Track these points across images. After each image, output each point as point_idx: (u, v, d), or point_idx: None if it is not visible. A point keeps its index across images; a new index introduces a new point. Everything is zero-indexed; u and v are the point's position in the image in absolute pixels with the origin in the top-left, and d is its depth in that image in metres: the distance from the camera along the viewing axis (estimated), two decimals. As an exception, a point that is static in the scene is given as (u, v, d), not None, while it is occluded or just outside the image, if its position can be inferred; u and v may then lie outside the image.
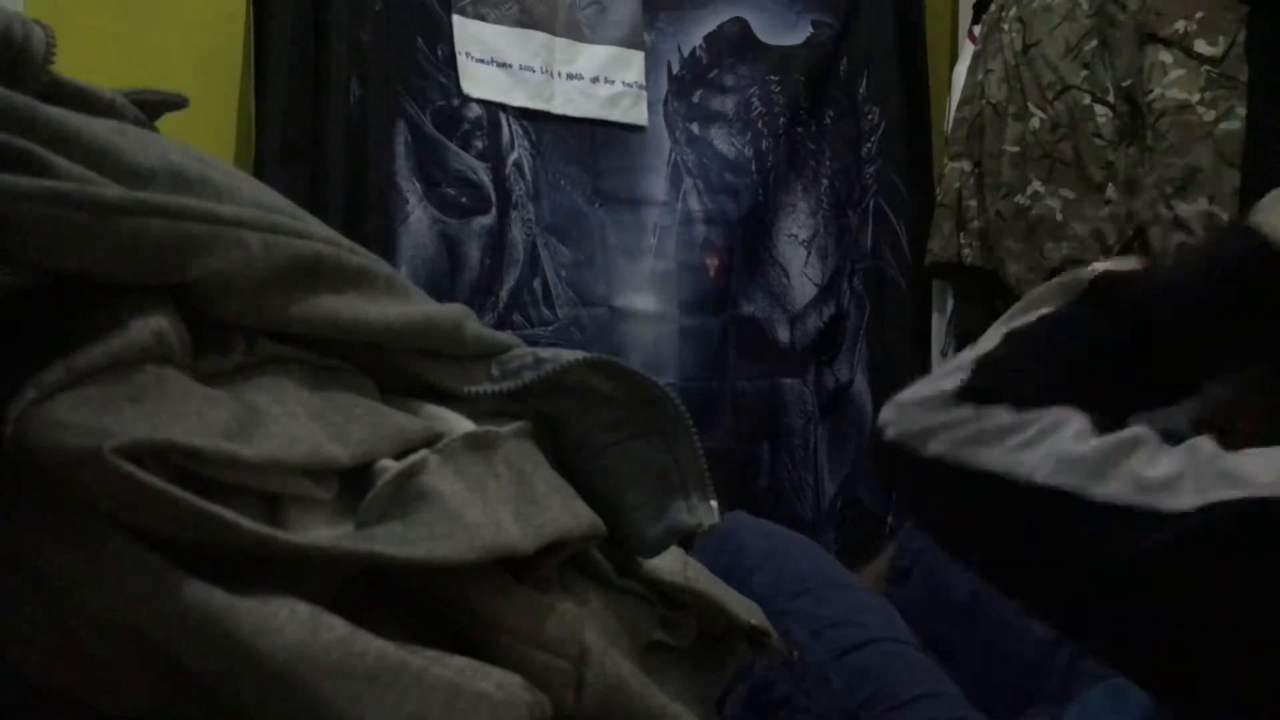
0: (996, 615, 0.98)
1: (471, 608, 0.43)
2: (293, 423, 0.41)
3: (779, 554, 1.06)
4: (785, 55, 1.94)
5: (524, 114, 1.74)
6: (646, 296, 1.84)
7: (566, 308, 1.77)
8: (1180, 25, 1.42)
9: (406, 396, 0.50)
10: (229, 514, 0.35)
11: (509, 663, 0.42)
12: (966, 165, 1.79)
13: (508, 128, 1.73)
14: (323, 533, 0.40)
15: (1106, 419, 0.62)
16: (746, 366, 1.90)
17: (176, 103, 0.50)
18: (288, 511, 0.40)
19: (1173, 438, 0.60)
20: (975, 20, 1.87)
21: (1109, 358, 0.67)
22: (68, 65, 0.41)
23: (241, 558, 0.36)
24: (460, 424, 0.48)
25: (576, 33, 1.79)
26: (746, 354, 1.91)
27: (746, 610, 0.66)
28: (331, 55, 1.59)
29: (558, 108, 1.77)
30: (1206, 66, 1.39)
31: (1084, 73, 1.59)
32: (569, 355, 0.50)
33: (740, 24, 1.92)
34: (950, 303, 1.90)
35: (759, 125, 1.92)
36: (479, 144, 1.71)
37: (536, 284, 1.75)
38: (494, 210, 1.72)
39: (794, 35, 1.95)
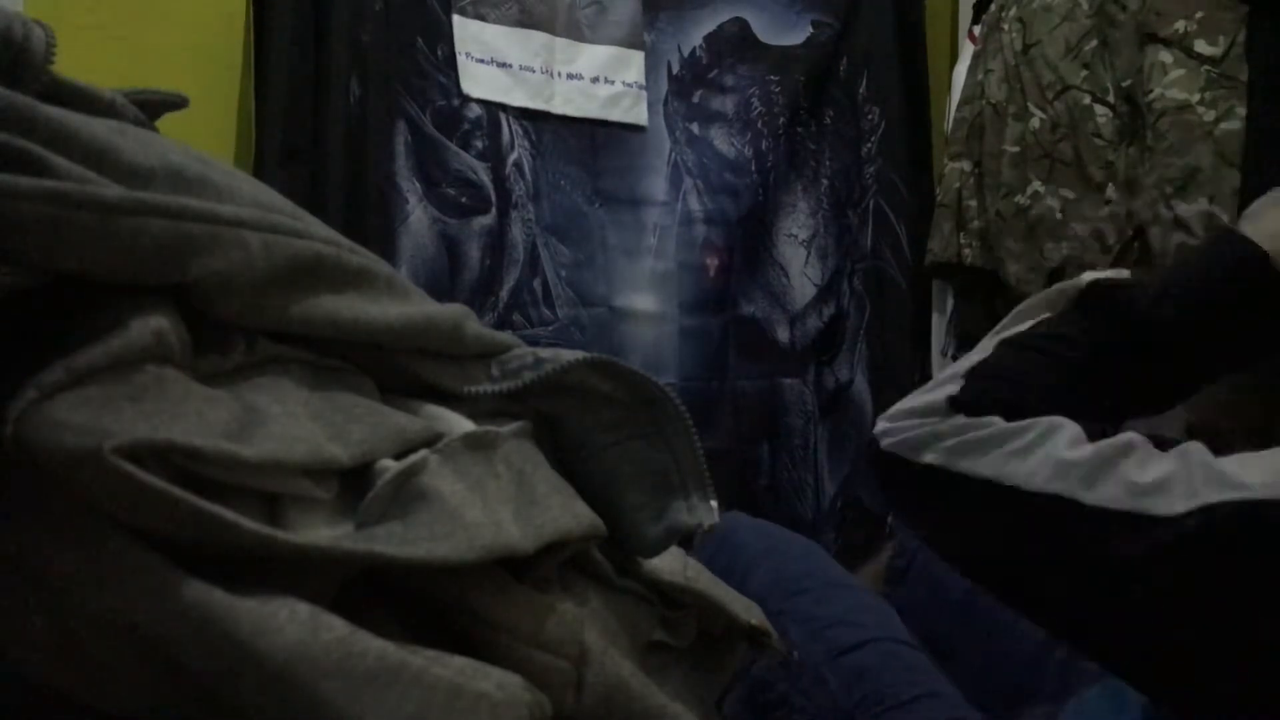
0: (993, 614, 0.98)
1: (471, 608, 0.43)
2: (293, 423, 0.41)
3: (777, 553, 1.06)
4: (785, 55, 1.94)
5: (524, 114, 1.74)
6: (646, 296, 1.84)
7: (566, 308, 1.77)
8: (1180, 25, 1.42)
9: (406, 396, 0.50)
10: (229, 514, 0.35)
11: (509, 663, 0.42)
12: (966, 165, 1.79)
13: (508, 128, 1.73)
14: (323, 533, 0.40)
15: (1099, 425, 0.63)
16: (746, 366, 1.90)
17: (176, 103, 0.50)
18: (288, 511, 0.40)
19: (1165, 443, 0.61)
20: (975, 20, 1.87)
21: (1102, 364, 0.68)
22: (68, 65, 0.41)
23: (241, 558, 0.36)
24: (460, 424, 0.48)
25: (576, 33, 1.79)
26: (746, 354, 1.91)
27: (746, 610, 0.66)
28: (331, 55, 1.59)
29: (558, 108, 1.77)
30: (1206, 66, 1.39)
31: (1084, 73, 1.59)
32: (569, 355, 0.50)
33: (740, 24, 1.92)
34: (950, 303, 1.90)
35: (759, 125, 1.92)
36: (479, 144, 1.71)
37: (536, 284, 1.75)
38: (494, 210, 1.72)
39: (794, 35, 1.95)
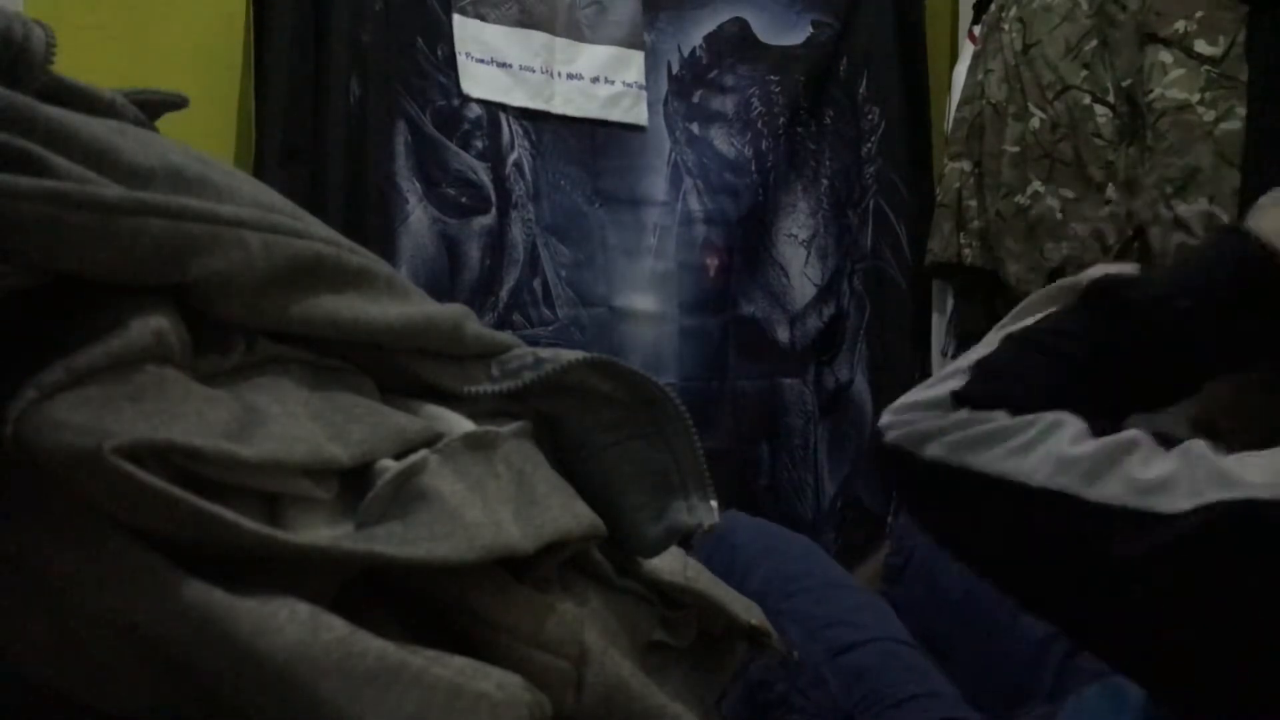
0: (990, 613, 0.98)
1: (471, 608, 0.43)
2: (293, 423, 0.41)
3: (775, 552, 1.06)
4: (785, 55, 1.94)
5: (524, 114, 1.74)
6: (646, 296, 1.84)
7: (566, 308, 1.77)
8: (1180, 25, 1.42)
9: (406, 396, 0.50)
10: (229, 514, 0.35)
11: (509, 663, 0.42)
12: (966, 165, 1.79)
13: (508, 128, 1.73)
14: (323, 533, 0.40)
15: (1103, 421, 0.63)
16: (746, 366, 1.90)
17: (176, 103, 0.50)
18: (288, 511, 0.40)
19: (1168, 440, 0.61)
20: (975, 20, 1.87)
21: (1106, 360, 0.68)
22: (68, 65, 0.41)
23: (241, 558, 0.36)
24: (460, 424, 0.48)
25: (576, 33, 1.79)
26: (746, 354, 1.91)
27: (746, 610, 0.66)
28: (331, 55, 1.59)
29: (558, 108, 1.77)
30: (1206, 66, 1.39)
31: (1084, 73, 1.59)
32: (569, 355, 0.50)
33: (740, 24, 1.92)
34: (950, 303, 1.90)
35: (759, 125, 1.92)
36: (479, 144, 1.71)
37: (536, 284, 1.75)
38: (494, 210, 1.72)
39: (794, 35, 1.95)
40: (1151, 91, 1.43)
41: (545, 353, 0.51)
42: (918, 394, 0.68)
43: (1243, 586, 0.55)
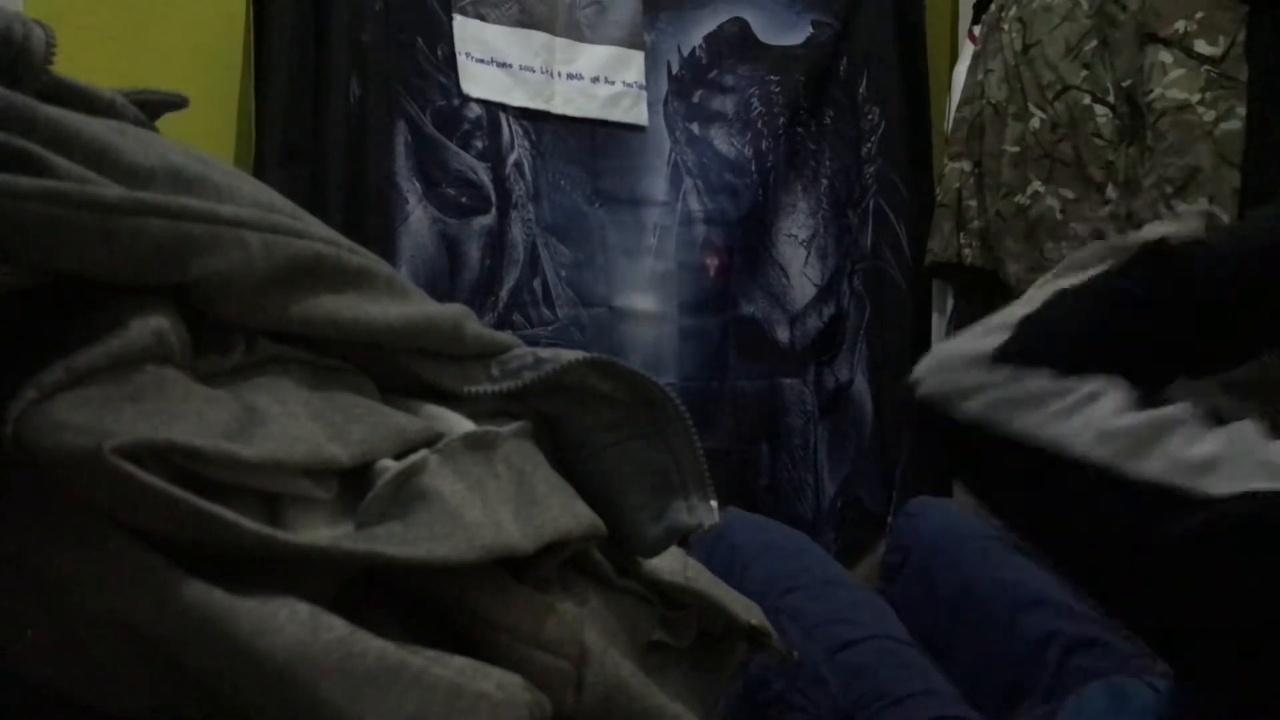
0: (988, 612, 0.98)
1: (471, 608, 0.43)
2: (293, 423, 0.41)
3: (773, 550, 1.06)
4: (785, 55, 1.94)
5: (524, 114, 1.74)
6: (646, 296, 1.84)
7: (566, 308, 1.77)
8: (1180, 25, 1.42)
9: (406, 396, 0.50)
10: (229, 514, 0.35)
11: (509, 663, 0.42)
12: (966, 165, 1.79)
13: (508, 128, 1.73)
14: (323, 533, 0.40)
15: (1148, 390, 0.60)
16: (746, 366, 1.91)
17: (176, 103, 0.50)
18: (288, 511, 0.40)
19: (1215, 417, 0.58)
20: (975, 20, 1.87)
21: (1158, 325, 0.64)
22: (68, 65, 0.41)
23: (241, 558, 0.36)
24: (460, 424, 0.48)
25: (576, 33, 1.79)
26: (746, 354, 1.91)
27: (746, 610, 0.66)
28: (331, 55, 1.59)
29: (558, 108, 1.77)
30: (1206, 66, 1.39)
31: (1084, 73, 1.59)
32: (569, 355, 0.50)
33: (740, 24, 1.92)
34: (950, 303, 1.90)
35: (759, 125, 1.92)
36: (479, 144, 1.71)
37: (536, 284, 1.75)
38: (494, 210, 1.72)
39: (794, 35, 1.95)
40: (1151, 91, 1.44)
41: (545, 353, 0.51)
42: (954, 347, 0.66)
43: (1277, 579, 0.53)
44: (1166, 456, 0.56)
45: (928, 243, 1.85)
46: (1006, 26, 1.73)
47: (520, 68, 1.73)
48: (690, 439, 0.53)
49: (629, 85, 1.83)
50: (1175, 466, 0.55)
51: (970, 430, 0.62)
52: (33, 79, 0.39)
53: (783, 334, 1.95)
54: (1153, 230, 0.67)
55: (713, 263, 1.89)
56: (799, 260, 1.96)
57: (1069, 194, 1.60)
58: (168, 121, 0.49)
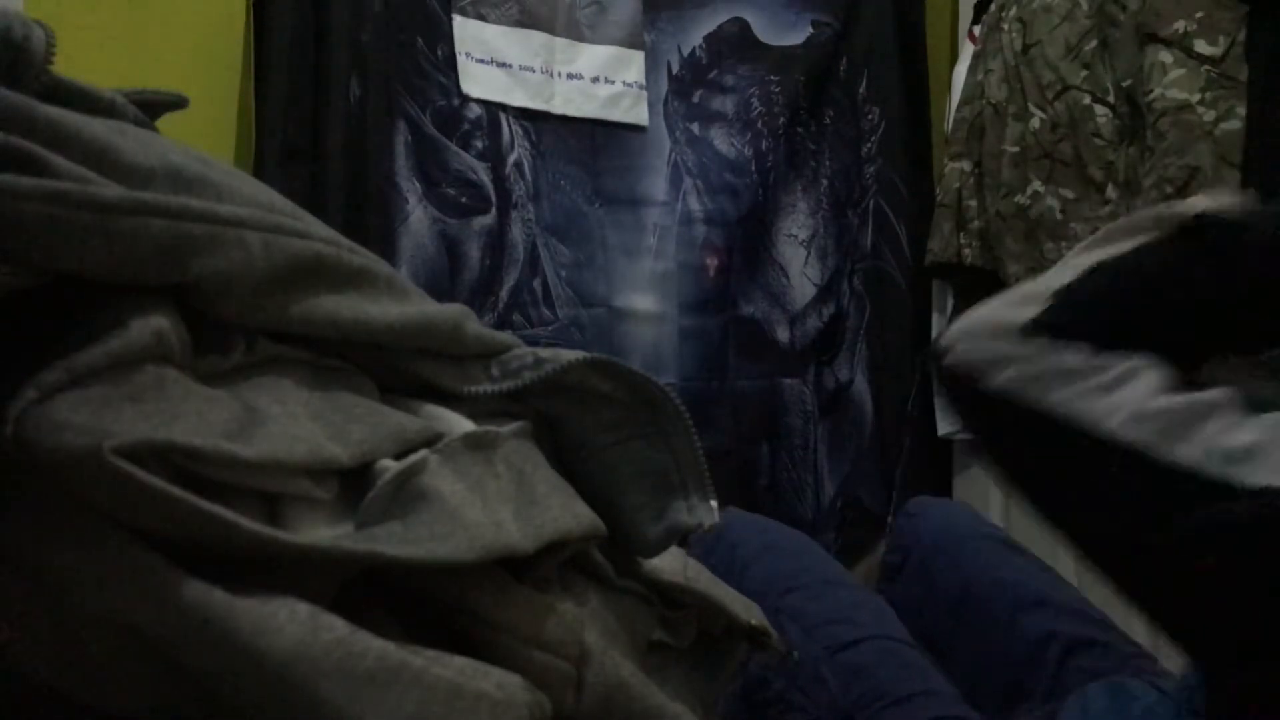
0: (987, 612, 0.98)
1: (471, 608, 0.43)
2: (293, 423, 0.41)
3: (773, 550, 1.06)
4: (785, 55, 1.94)
5: (524, 114, 1.75)
6: (646, 296, 1.84)
7: (566, 308, 1.77)
8: (1180, 25, 1.42)
9: (406, 396, 0.50)
10: (229, 514, 0.35)
11: (509, 663, 0.42)
12: (966, 165, 1.79)
13: (508, 128, 1.74)
14: (323, 533, 0.40)
15: (1185, 373, 0.58)
16: (746, 366, 1.91)
17: (176, 103, 0.50)
18: (288, 511, 0.40)
19: (1255, 403, 0.56)
20: (975, 20, 1.87)
21: (1199, 302, 0.61)
22: (68, 65, 0.41)
23: (241, 558, 0.36)
24: (460, 424, 0.48)
25: (576, 33, 1.79)
26: (746, 354, 1.91)
27: (746, 610, 0.66)
28: (331, 55, 1.59)
29: (558, 108, 1.77)
30: (1206, 66, 1.39)
31: (1084, 73, 1.59)
32: (569, 355, 0.50)
33: (740, 24, 1.92)
34: (950, 303, 1.90)
35: (759, 125, 1.92)
36: (479, 144, 1.71)
37: (536, 284, 1.76)
38: (494, 210, 1.72)
39: (794, 35, 1.95)
40: (1151, 91, 1.44)
41: (545, 353, 0.51)
42: (986, 315, 0.63)
43: None
44: (1203, 442, 0.54)
45: (928, 243, 1.85)
46: (1006, 26, 1.73)
47: (520, 68, 1.73)
48: (690, 439, 0.53)
49: (629, 85, 1.83)
50: (1211, 454, 0.53)
51: (998, 401, 0.60)
52: (33, 79, 0.39)
53: (783, 334, 1.95)
54: (1195, 203, 0.64)
55: (713, 263, 1.89)
56: (799, 260, 1.96)
57: (1069, 194, 1.60)
58: (168, 121, 0.49)
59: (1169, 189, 1.39)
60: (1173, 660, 0.89)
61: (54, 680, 0.37)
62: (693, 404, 0.64)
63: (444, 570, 0.41)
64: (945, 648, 0.98)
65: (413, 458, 0.43)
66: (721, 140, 1.91)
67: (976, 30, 1.85)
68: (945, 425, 1.92)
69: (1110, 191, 1.54)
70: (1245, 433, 0.53)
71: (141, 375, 0.36)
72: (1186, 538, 0.53)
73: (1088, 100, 1.58)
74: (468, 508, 0.42)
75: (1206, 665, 0.60)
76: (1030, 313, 0.61)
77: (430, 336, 0.49)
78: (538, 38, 1.75)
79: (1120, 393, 0.56)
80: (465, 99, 1.69)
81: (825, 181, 1.98)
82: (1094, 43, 1.59)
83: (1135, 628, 0.93)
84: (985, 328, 0.62)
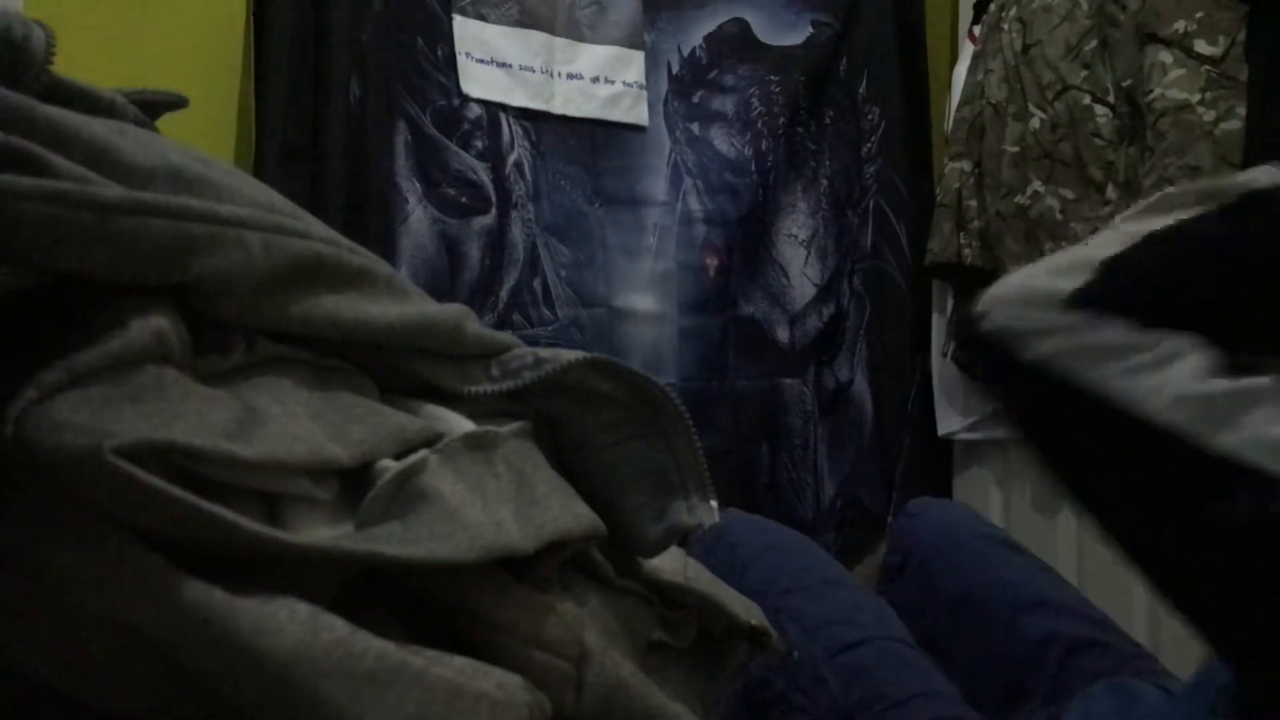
0: (987, 612, 0.98)
1: (471, 608, 0.43)
2: (293, 423, 0.41)
3: (773, 550, 1.06)
4: (785, 55, 1.94)
5: (524, 114, 1.75)
6: (646, 296, 1.84)
7: (566, 308, 1.77)
8: (1180, 25, 1.42)
9: (406, 396, 0.50)
10: (229, 514, 0.35)
11: (509, 663, 0.42)
12: (966, 165, 1.79)
13: (508, 128, 1.74)
14: (323, 533, 0.40)
15: (1232, 356, 0.55)
16: (746, 366, 1.91)
17: (176, 103, 0.50)
18: (288, 511, 0.40)
19: None
20: (975, 20, 1.87)
21: (1255, 280, 0.58)
22: (68, 65, 0.41)
23: (241, 558, 0.36)
24: (460, 424, 0.48)
25: (576, 33, 1.79)
26: (746, 354, 1.91)
27: (746, 610, 0.66)
28: (331, 55, 1.59)
29: (558, 108, 1.77)
30: (1206, 66, 1.39)
31: (1084, 73, 1.59)
32: (569, 355, 0.50)
33: (740, 24, 1.92)
34: (950, 303, 1.90)
35: (759, 125, 1.92)
36: (479, 144, 1.71)
37: (536, 284, 1.76)
38: (494, 210, 1.72)
39: (794, 35, 1.95)
40: (1151, 91, 1.43)
41: (545, 353, 0.51)
42: (1028, 282, 0.60)
43: None
44: (1249, 431, 0.51)
45: (928, 243, 1.85)
46: (1006, 26, 1.73)
47: (520, 68, 1.73)
48: (690, 439, 0.53)
49: (629, 85, 1.83)
50: (1257, 443, 0.50)
51: (1034, 373, 0.57)
52: (33, 79, 0.39)
53: (783, 334, 1.95)
54: (1257, 175, 0.60)
55: (713, 263, 1.89)
56: (799, 260, 1.96)
57: (1069, 194, 1.60)
58: (168, 121, 0.49)
59: (1169, 189, 1.39)
60: (1174, 660, 0.89)
61: (54, 680, 0.37)
62: (693, 404, 0.63)
63: (444, 570, 0.41)
64: (945, 648, 0.97)
65: (413, 458, 0.43)
66: (721, 140, 1.91)
67: (976, 30, 1.85)
68: (945, 425, 1.92)
69: (1110, 192, 1.54)
70: None
71: (141, 375, 0.36)
72: (1225, 530, 0.50)
73: (1088, 100, 1.58)
74: (468, 508, 0.42)
75: (1238, 663, 0.57)
76: (1074, 283, 0.58)
77: (430, 336, 0.49)
78: (538, 38, 1.75)
79: (1163, 373, 0.53)
80: (465, 99, 1.69)
81: (825, 181, 1.98)
82: (1094, 43, 1.59)
83: (1135, 628, 0.93)
84: (1026, 295, 0.59)
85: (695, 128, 1.89)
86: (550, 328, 1.75)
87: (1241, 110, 1.36)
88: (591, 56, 1.80)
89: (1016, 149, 1.68)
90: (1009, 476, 1.88)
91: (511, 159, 1.74)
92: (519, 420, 0.50)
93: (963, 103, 1.82)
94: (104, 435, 0.33)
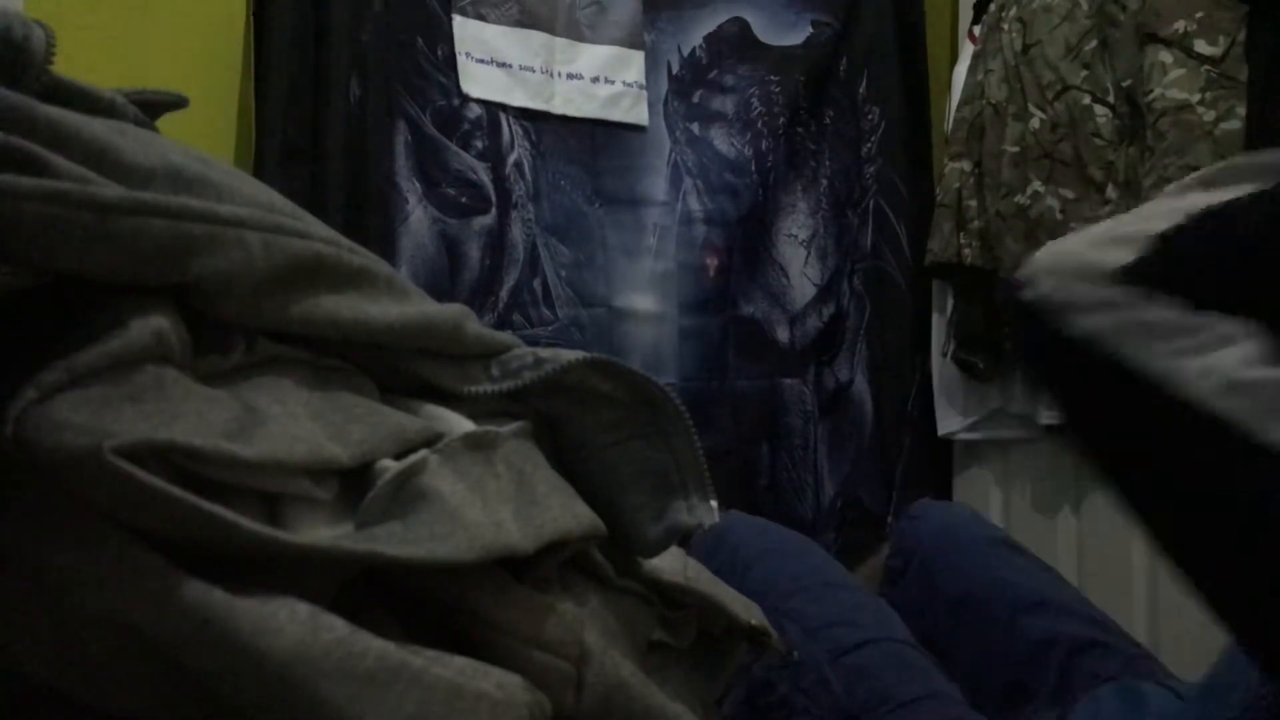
0: (988, 613, 0.98)
1: (471, 608, 0.43)
2: (293, 423, 0.41)
3: (774, 552, 1.06)
4: (785, 55, 1.94)
5: (524, 114, 1.75)
6: (646, 296, 1.84)
7: (566, 308, 1.77)
8: (1180, 25, 1.42)
9: (406, 396, 0.50)
10: (229, 514, 0.35)
11: (509, 663, 0.42)
12: (966, 165, 1.79)
13: (508, 128, 1.74)
14: (323, 533, 0.40)
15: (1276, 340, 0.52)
16: (746, 366, 1.91)
17: (176, 103, 0.50)
18: (287, 511, 0.40)
19: None
20: (975, 20, 1.87)
21: None
22: (68, 65, 0.41)
23: (241, 558, 0.36)
24: (460, 424, 0.48)
25: (576, 33, 1.79)
26: (746, 354, 1.91)
27: (746, 610, 0.66)
28: (331, 55, 1.59)
29: (558, 108, 1.77)
30: (1206, 66, 1.39)
31: (1084, 73, 1.59)
32: (569, 355, 0.50)
33: (740, 24, 1.92)
34: (950, 303, 1.90)
35: (759, 125, 1.92)
36: (479, 144, 1.71)
37: (536, 284, 1.76)
38: (494, 210, 1.72)
39: (794, 35, 1.95)
40: (1151, 91, 1.44)
41: (545, 353, 0.51)
42: (1077, 252, 0.57)
43: None
44: None
45: (928, 243, 1.85)
46: (1006, 26, 1.73)
47: (520, 68, 1.73)
48: (690, 439, 0.53)
49: (629, 85, 1.83)
50: None
51: (1078, 347, 0.54)
52: (33, 79, 0.39)
53: (783, 334, 1.95)
54: None
55: (713, 263, 1.89)
56: (799, 260, 1.96)
57: (1069, 194, 1.60)
58: (168, 121, 0.49)
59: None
60: (1173, 660, 0.89)
61: (54, 680, 0.37)
62: (693, 404, 0.63)
63: (444, 570, 0.41)
64: (945, 648, 0.97)
65: (413, 458, 0.43)
66: (721, 140, 1.91)
67: (976, 30, 1.85)
68: (945, 425, 1.92)
69: (1110, 191, 1.54)
70: None
71: (141, 375, 0.36)
72: (1271, 525, 0.48)
73: (1088, 100, 1.58)
74: (468, 508, 0.42)
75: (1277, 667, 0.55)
76: (1124, 257, 0.55)
77: (430, 336, 0.49)
78: (538, 38, 1.75)
79: (1214, 357, 0.50)
80: (465, 99, 1.69)
81: (825, 181, 1.98)
82: (1094, 43, 1.59)
83: (1135, 628, 0.93)
84: (1076, 266, 0.56)
85: (695, 128, 1.89)
86: (550, 328, 1.75)
87: (1241, 110, 1.36)
88: (591, 56, 1.80)
89: (1016, 149, 1.68)
90: (1009, 476, 1.88)
91: (511, 159, 1.74)
92: (519, 420, 0.50)
93: (963, 103, 1.82)
94: (104, 435, 0.33)
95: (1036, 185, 1.63)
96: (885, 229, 2.01)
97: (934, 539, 1.09)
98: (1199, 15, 1.41)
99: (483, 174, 1.71)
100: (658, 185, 1.86)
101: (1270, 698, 0.58)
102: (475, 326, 0.51)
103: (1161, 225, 0.56)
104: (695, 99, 1.89)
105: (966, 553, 1.06)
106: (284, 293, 0.42)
